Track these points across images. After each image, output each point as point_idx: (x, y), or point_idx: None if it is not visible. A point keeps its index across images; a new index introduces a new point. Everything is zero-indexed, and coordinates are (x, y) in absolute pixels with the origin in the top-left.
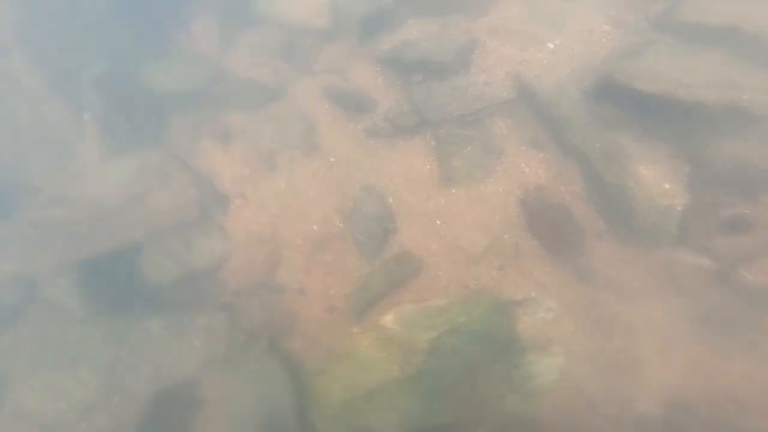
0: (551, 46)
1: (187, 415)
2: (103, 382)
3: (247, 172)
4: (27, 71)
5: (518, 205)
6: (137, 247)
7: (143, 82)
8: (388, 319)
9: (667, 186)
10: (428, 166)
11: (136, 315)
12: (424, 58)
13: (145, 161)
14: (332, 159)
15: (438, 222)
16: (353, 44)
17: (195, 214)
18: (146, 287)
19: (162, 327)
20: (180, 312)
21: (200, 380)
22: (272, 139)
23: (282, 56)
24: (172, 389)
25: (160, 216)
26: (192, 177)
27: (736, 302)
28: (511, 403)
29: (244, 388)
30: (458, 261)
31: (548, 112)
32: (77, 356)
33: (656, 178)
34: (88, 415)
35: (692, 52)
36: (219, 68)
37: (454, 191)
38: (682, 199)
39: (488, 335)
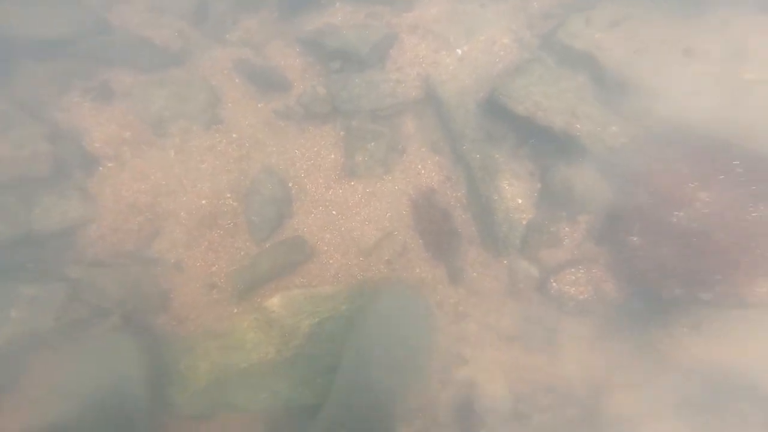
0: (459, 52)
1: None
2: None
3: (127, 135)
4: None
5: (410, 205)
6: None
7: None
8: (274, 302)
9: (520, 201)
10: (333, 156)
11: None
12: (344, 47)
13: None
14: (234, 135)
15: (334, 212)
16: (275, 19)
17: (44, 170)
18: None
19: None
20: (1, 279)
21: (13, 354)
22: (165, 106)
23: (189, 20)
24: None
25: None
26: (47, 131)
27: (547, 307)
28: None
29: (80, 365)
30: (349, 252)
31: (447, 119)
32: None
33: (513, 193)
34: None
35: (558, 76)
36: (102, 20)
37: (353, 184)
38: (528, 213)
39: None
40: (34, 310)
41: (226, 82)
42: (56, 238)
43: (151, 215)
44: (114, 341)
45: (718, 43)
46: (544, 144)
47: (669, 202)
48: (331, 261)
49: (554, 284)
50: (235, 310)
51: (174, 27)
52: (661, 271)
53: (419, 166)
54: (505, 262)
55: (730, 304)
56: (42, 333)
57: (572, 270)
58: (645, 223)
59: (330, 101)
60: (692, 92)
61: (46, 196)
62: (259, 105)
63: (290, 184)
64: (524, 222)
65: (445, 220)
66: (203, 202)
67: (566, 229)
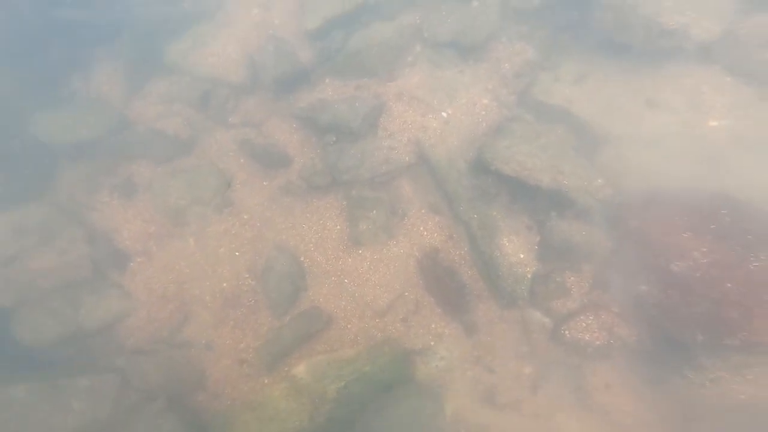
0: (445, 115)
1: None
2: None
3: (151, 229)
4: None
5: (416, 266)
6: (8, 311)
7: (29, 130)
8: (300, 370)
9: (522, 255)
10: (339, 227)
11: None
12: (336, 120)
13: (26, 218)
14: (245, 216)
15: (346, 281)
16: (271, 99)
17: (85, 273)
18: (19, 350)
19: (30, 391)
20: (58, 374)
21: None
22: (181, 195)
23: (196, 106)
24: None
25: (39, 277)
26: (85, 233)
27: (562, 353)
28: None
29: None
30: (365, 315)
31: (441, 181)
32: None
33: (514, 249)
34: None
35: (538, 133)
36: (123, 117)
37: (361, 252)
38: (532, 267)
39: (391, 383)
40: (92, 400)
41: (231, 163)
42: (100, 332)
43: (180, 303)
44: (163, 423)
45: (676, 94)
46: (536, 199)
47: (667, 252)
48: (349, 326)
49: (567, 332)
50: (266, 381)
51: (182, 115)
52: (677, 318)
53: (421, 228)
54: (516, 313)
55: (760, 350)
56: (102, 420)
57: (582, 317)
58: (648, 272)
59: (329, 173)
60: (659, 140)
61: (88, 296)
62: (264, 183)
63: (302, 258)
64: (529, 275)
65: (451, 277)
66: (224, 284)
67: (572, 278)
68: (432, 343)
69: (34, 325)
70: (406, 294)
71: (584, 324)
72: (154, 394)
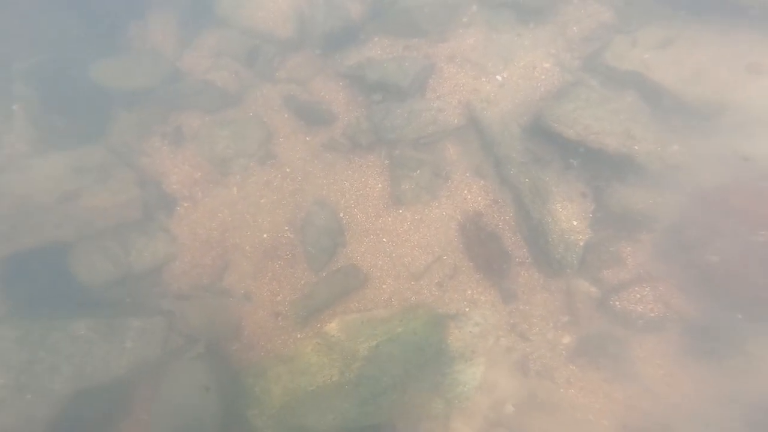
0: (500, 78)
1: (110, 414)
2: (15, 381)
3: (197, 176)
4: None
5: (458, 229)
6: (67, 246)
7: (88, 76)
8: (333, 327)
9: (575, 223)
10: (380, 185)
11: (62, 316)
12: (384, 78)
13: (84, 158)
14: (288, 169)
15: (385, 240)
16: (318, 56)
17: (137, 214)
18: (77, 288)
19: (90, 328)
20: (113, 313)
21: (129, 382)
22: (227, 145)
23: (243, 61)
24: (95, 389)
25: (97, 215)
26: (137, 176)
27: (607, 325)
28: (436, 407)
29: (178, 390)
30: (401, 276)
31: (491, 144)
32: None
33: (568, 215)
34: None
35: (606, 98)
36: (175, 68)
37: (401, 212)
38: (585, 234)
39: (422, 345)
40: (143, 341)
41: (276, 118)
42: (147, 275)
43: (221, 250)
44: (201, 368)
45: None
46: (595, 165)
47: (752, 222)
48: (384, 286)
49: (617, 303)
50: (299, 336)
51: (231, 68)
52: (753, 291)
53: (465, 191)
54: (560, 282)
55: None
56: (151, 361)
57: (637, 288)
58: (723, 242)
59: (373, 132)
60: (760, 108)
61: (138, 238)
62: (307, 138)
63: (341, 215)
64: (582, 243)
65: (494, 242)
66: (264, 235)
67: (628, 248)
68: (467, 309)
69: (89, 264)
70: (445, 257)
71: (638, 295)
72: (195, 339)
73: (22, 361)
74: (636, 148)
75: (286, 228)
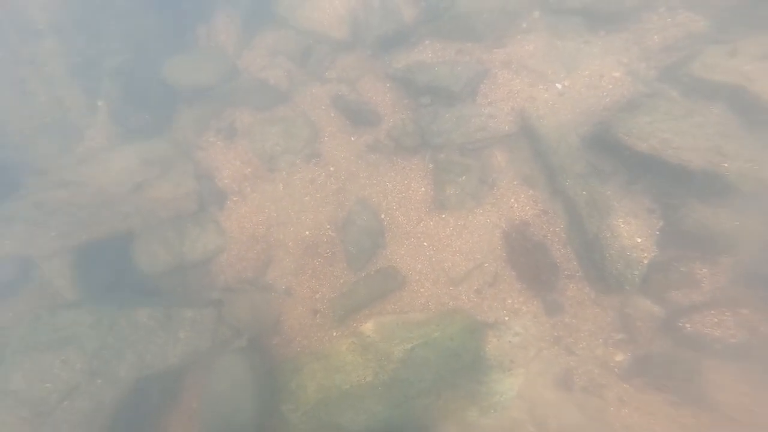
0: (560, 86)
1: (164, 403)
2: (88, 366)
3: (248, 171)
4: (53, 56)
5: (502, 237)
6: (132, 235)
7: (160, 73)
8: (368, 327)
9: (639, 240)
10: (423, 189)
11: (126, 302)
12: (435, 82)
13: (151, 151)
14: (332, 168)
15: (425, 243)
16: (368, 57)
17: (193, 206)
18: (138, 275)
19: (150, 316)
20: (168, 303)
21: (181, 371)
22: (276, 142)
23: (296, 60)
24: (152, 377)
25: (159, 206)
26: (193, 169)
27: (671, 346)
28: (471, 415)
29: (222, 382)
30: (440, 281)
31: (545, 153)
32: (66, 339)
33: (631, 232)
34: (71, 395)
35: (689, 112)
36: (234, 66)
37: (444, 217)
38: (650, 252)
39: (459, 352)
40: (195, 332)
41: (323, 116)
42: (198, 266)
43: (266, 244)
44: (243, 361)
45: None
46: (666, 181)
47: None
48: (422, 290)
49: (687, 325)
50: (335, 334)
51: (284, 67)
52: None
53: (512, 200)
54: (615, 298)
55: None
56: (201, 351)
57: (713, 312)
58: None
59: (419, 135)
60: None
61: (192, 229)
62: (352, 138)
63: (382, 216)
64: (646, 261)
65: (540, 253)
66: (307, 233)
67: (703, 270)
68: (506, 318)
69: (150, 253)
70: (486, 265)
71: (716, 319)
72: (240, 332)
73: (95, 347)
74: (725, 165)
75: (328, 226)
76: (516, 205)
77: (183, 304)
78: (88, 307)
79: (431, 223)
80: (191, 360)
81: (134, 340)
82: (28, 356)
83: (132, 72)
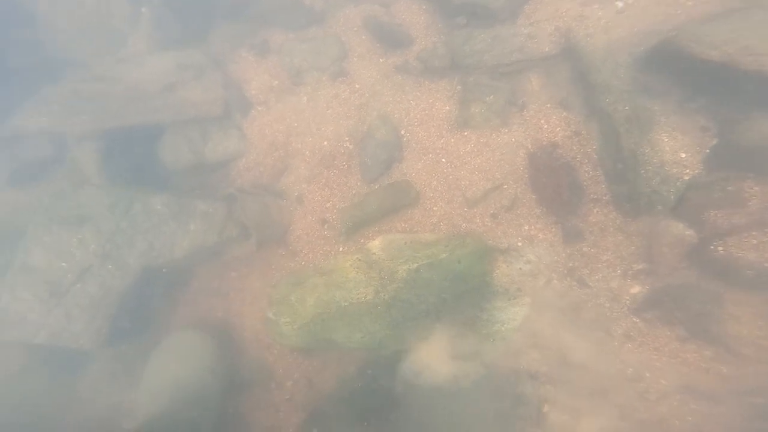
0: (620, 4)
1: (168, 294)
2: (102, 249)
3: (275, 84)
4: None
5: (526, 158)
6: (160, 129)
7: None
8: (375, 244)
9: (683, 155)
10: (447, 108)
11: (145, 190)
12: (474, 0)
13: (187, 58)
14: (357, 86)
15: (443, 160)
16: None
17: (218, 111)
18: (160, 168)
19: (164, 204)
20: (185, 195)
21: (187, 264)
22: (304, 58)
23: None
24: (159, 267)
25: (187, 106)
26: (223, 79)
27: (696, 276)
28: (468, 342)
29: (222, 280)
30: (454, 201)
31: (587, 72)
32: (84, 217)
33: (674, 147)
34: (83, 278)
35: None
36: None
37: (466, 134)
38: (694, 169)
39: (465, 276)
40: (205, 225)
41: (354, 38)
42: (217, 167)
43: (284, 153)
44: (250, 264)
45: None
46: (727, 95)
47: None
48: (435, 208)
49: (721, 249)
50: (341, 249)
51: None
52: None
53: (542, 121)
54: (643, 224)
55: None
56: (209, 246)
57: (755, 233)
58: None
59: (449, 57)
60: None
61: (215, 132)
62: (381, 60)
63: (402, 132)
64: (686, 177)
65: (567, 174)
66: (325, 143)
67: (754, 188)
68: (519, 245)
69: (174, 147)
70: (505, 186)
71: (755, 241)
72: (248, 234)
73: (110, 229)
74: None
75: (347, 138)
76: (546, 126)
77: (198, 197)
78: (108, 188)
79: (452, 139)
80: (198, 256)
81: (146, 227)
82: (48, 230)
83: None
